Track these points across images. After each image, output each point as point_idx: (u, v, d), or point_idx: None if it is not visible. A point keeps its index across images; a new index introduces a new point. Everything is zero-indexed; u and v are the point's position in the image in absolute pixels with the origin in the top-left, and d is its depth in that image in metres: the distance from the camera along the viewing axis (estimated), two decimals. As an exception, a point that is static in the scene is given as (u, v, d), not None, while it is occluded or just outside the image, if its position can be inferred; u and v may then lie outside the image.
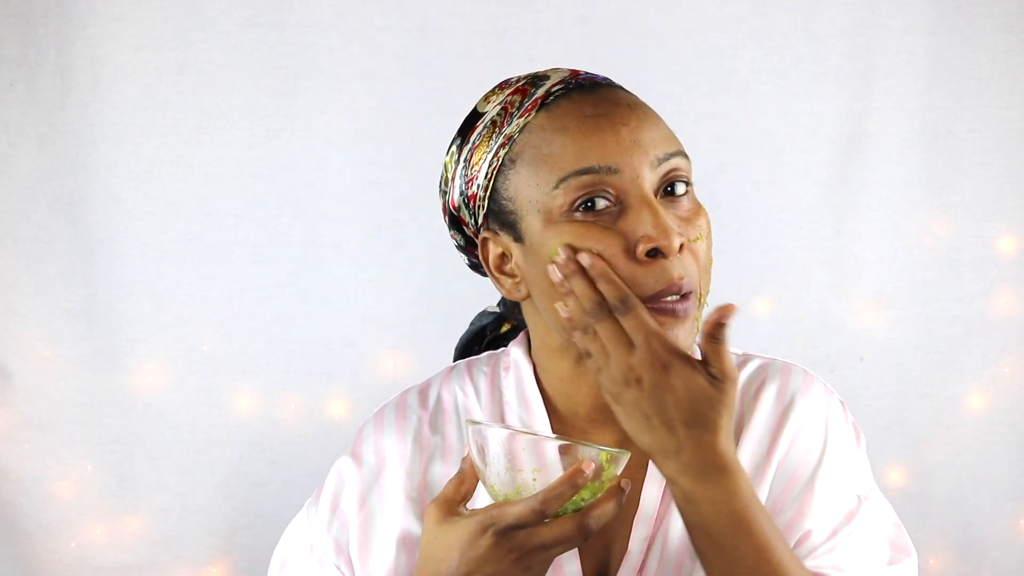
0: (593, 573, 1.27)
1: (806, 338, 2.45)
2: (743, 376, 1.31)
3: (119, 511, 2.36)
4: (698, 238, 1.20)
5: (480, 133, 1.26)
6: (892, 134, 2.43)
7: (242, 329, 2.36)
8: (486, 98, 1.29)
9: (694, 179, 1.25)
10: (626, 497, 1.13)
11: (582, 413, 1.29)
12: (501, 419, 1.31)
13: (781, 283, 2.45)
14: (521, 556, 1.11)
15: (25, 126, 2.30)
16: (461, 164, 1.28)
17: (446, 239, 1.35)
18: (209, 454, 2.37)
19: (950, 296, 2.47)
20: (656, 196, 1.20)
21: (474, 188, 1.26)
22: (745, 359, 1.33)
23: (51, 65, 2.29)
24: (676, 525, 1.26)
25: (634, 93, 1.27)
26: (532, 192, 1.21)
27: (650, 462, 1.27)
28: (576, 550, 1.26)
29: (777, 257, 2.44)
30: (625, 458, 1.13)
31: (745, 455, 1.27)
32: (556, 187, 1.19)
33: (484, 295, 1.47)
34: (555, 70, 1.28)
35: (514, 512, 1.10)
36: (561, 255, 1.18)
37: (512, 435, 1.12)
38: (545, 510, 1.09)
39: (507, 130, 1.24)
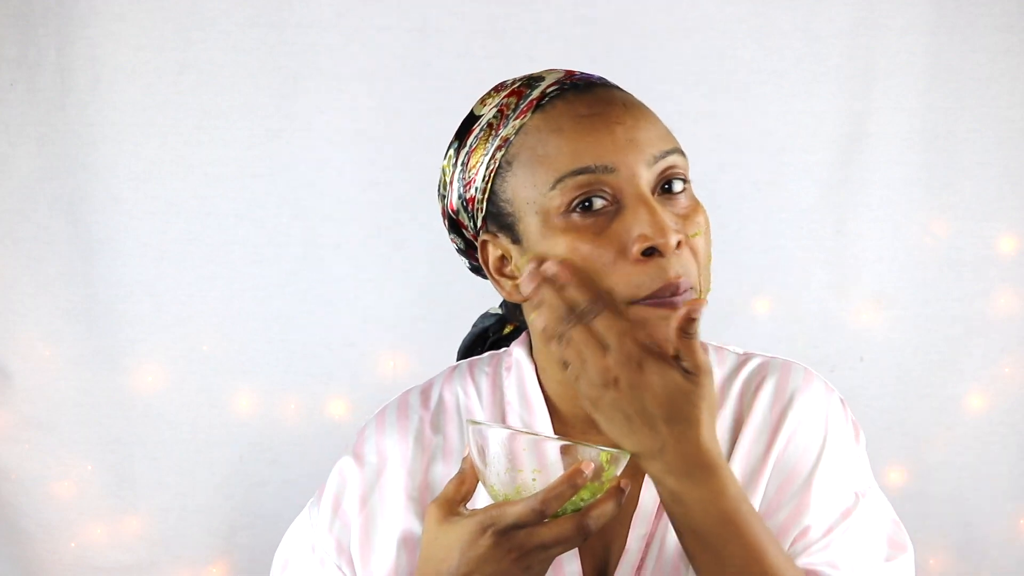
0: (593, 572, 1.27)
1: (806, 338, 2.45)
2: (743, 374, 1.31)
3: (119, 511, 2.36)
4: (696, 234, 1.20)
5: (477, 136, 1.26)
6: (892, 134, 2.43)
7: (242, 329, 2.36)
8: (482, 101, 1.29)
9: (694, 178, 1.25)
10: (628, 497, 1.13)
11: (582, 414, 1.29)
12: (502, 419, 1.31)
13: (781, 283, 2.45)
14: (521, 556, 1.11)
15: (25, 126, 2.30)
16: (459, 167, 1.28)
17: (446, 239, 1.35)
18: (209, 454, 2.37)
19: (950, 296, 2.47)
20: (653, 194, 1.20)
21: (472, 191, 1.26)
22: (746, 358, 1.33)
23: (51, 65, 2.29)
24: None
25: (630, 92, 1.27)
26: (529, 193, 1.21)
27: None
28: (576, 549, 1.25)
29: (777, 257, 2.44)
30: (625, 459, 1.13)
31: (743, 451, 1.27)
32: (553, 188, 1.19)
33: (484, 296, 1.47)
34: (550, 71, 1.28)
35: (514, 512, 1.10)
36: (529, 267, 1.17)
37: (512, 435, 1.12)
38: (544, 510, 1.09)
39: (503, 132, 1.24)
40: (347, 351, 2.38)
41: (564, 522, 1.10)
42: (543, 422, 1.29)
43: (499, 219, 1.25)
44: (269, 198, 2.36)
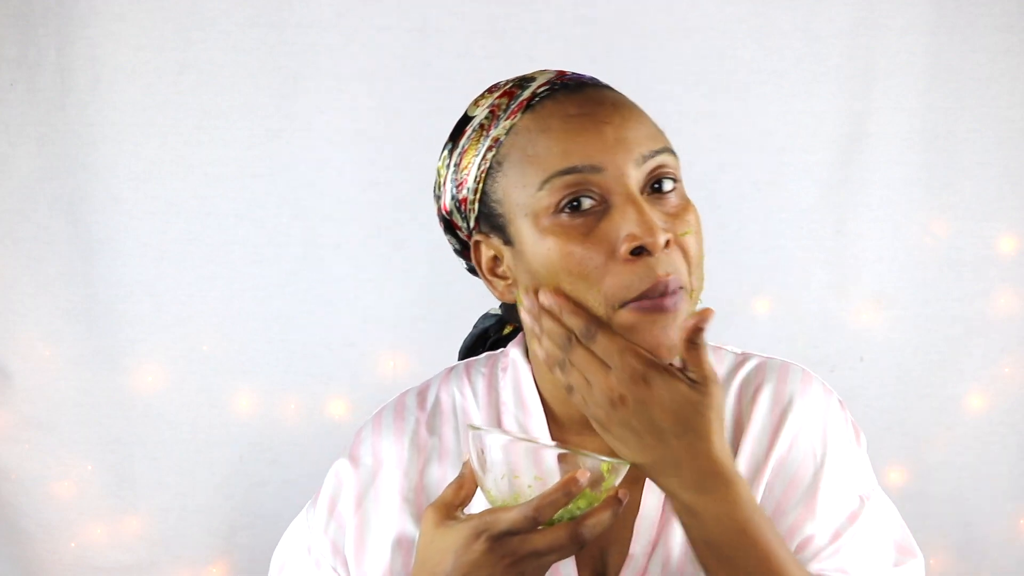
0: (590, 579, 1.27)
1: (806, 338, 2.45)
2: (740, 375, 1.31)
3: (119, 511, 2.36)
4: (686, 233, 1.20)
5: (469, 137, 1.26)
6: (892, 134, 2.43)
7: (242, 329, 2.36)
8: (475, 102, 1.29)
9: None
10: (628, 503, 1.13)
11: (577, 415, 1.29)
12: (498, 420, 1.31)
13: (781, 283, 2.45)
14: (514, 562, 1.11)
15: (25, 126, 2.30)
16: (452, 168, 1.28)
17: (446, 239, 1.35)
18: (209, 454, 2.37)
19: (950, 296, 2.47)
20: (643, 194, 1.19)
21: (464, 192, 1.26)
22: (743, 359, 1.33)
23: (51, 65, 2.29)
24: (678, 532, 1.26)
25: (621, 92, 1.27)
26: (519, 194, 1.21)
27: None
28: (573, 557, 1.25)
29: (777, 257, 2.44)
30: (624, 468, 1.13)
31: (744, 456, 1.27)
32: (541, 188, 1.19)
33: (485, 296, 1.47)
34: (542, 71, 1.28)
35: (508, 518, 1.10)
36: (526, 301, 1.18)
37: (512, 441, 1.12)
38: (538, 517, 1.09)
39: (494, 133, 1.24)
40: (347, 351, 2.38)
41: (558, 530, 1.10)
42: (538, 423, 1.29)
43: (491, 220, 1.24)
44: (269, 198, 2.35)
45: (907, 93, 2.42)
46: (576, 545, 1.10)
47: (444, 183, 1.29)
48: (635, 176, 1.19)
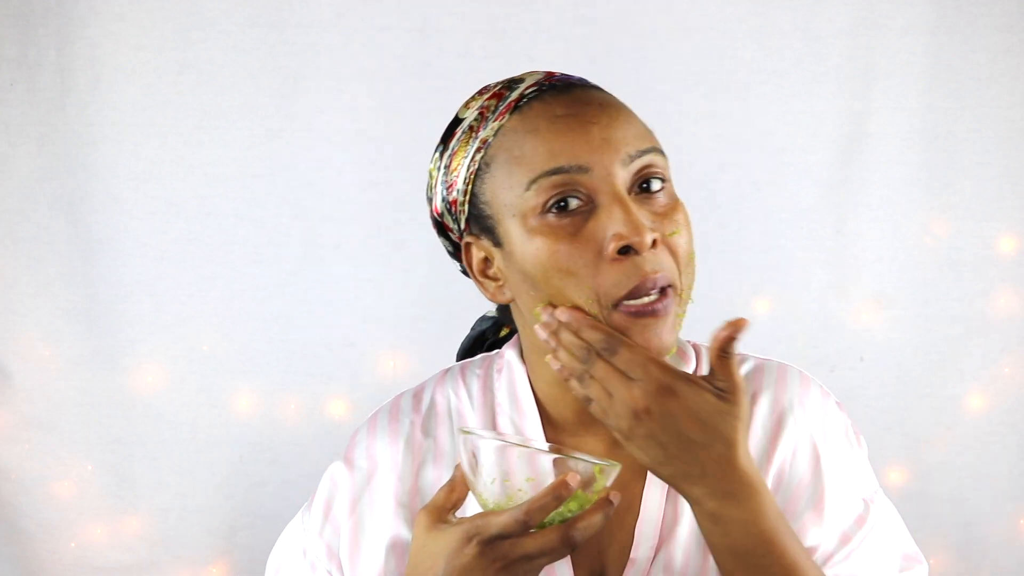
0: (588, 582, 1.27)
1: (806, 338, 2.45)
2: None
3: (119, 511, 2.36)
4: (675, 232, 1.20)
5: (459, 139, 1.27)
6: (892, 134, 2.43)
7: (242, 329, 2.36)
8: (466, 104, 1.29)
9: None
10: (624, 505, 1.13)
11: (572, 417, 1.28)
12: (493, 422, 1.31)
13: (781, 283, 2.45)
14: (505, 566, 1.11)
15: (25, 126, 2.30)
16: (442, 170, 1.28)
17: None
18: (209, 454, 2.37)
19: (950, 296, 2.47)
20: (631, 193, 1.20)
21: (454, 194, 1.26)
22: (740, 360, 1.32)
23: (51, 65, 2.29)
24: (681, 536, 1.25)
25: (610, 92, 1.27)
26: (507, 195, 1.21)
27: (649, 471, 1.26)
28: (568, 559, 1.25)
29: (777, 257, 2.44)
30: (615, 471, 1.13)
31: None
32: (528, 188, 1.19)
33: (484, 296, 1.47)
34: (531, 73, 1.28)
35: (498, 522, 1.10)
36: (543, 316, 1.18)
37: (503, 446, 1.12)
38: (529, 521, 1.09)
39: (482, 134, 1.24)
40: (347, 351, 2.38)
41: (549, 533, 1.10)
42: (533, 424, 1.29)
43: (480, 221, 1.25)
44: (269, 198, 2.35)
45: (907, 93, 2.42)
46: (567, 548, 1.10)
47: (435, 185, 1.30)
48: (622, 176, 1.19)
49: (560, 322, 1.17)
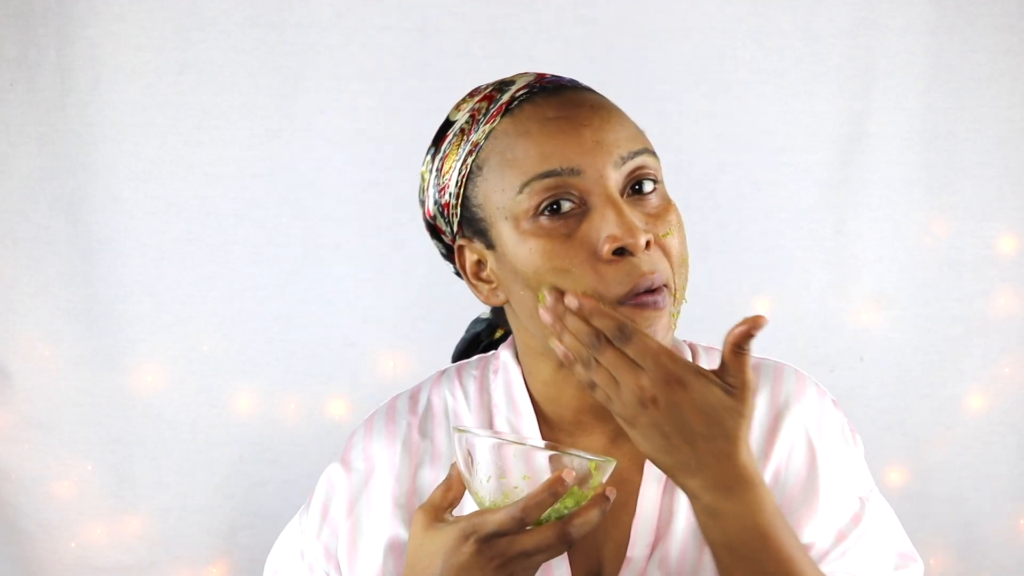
0: (584, 577, 1.27)
1: (806, 338, 2.45)
2: None
3: (119, 511, 2.36)
4: (668, 233, 1.20)
5: (450, 142, 1.27)
6: (892, 134, 2.43)
7: (242, 329, 2.36)
8: (457, 106, 1.29)
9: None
10: (621, 503, 1.13)
11: (568, 416, 1.29)
12: (489, 422, 1.31)
13: (781, 283, 2.45)
14: (503, 564, 1.11)
15: (25, 126, 2.30)
16: (434, 173, 1.29)
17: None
18: (209, 454, 2.37)
19: (950, 296, 2.47)
20: (623, 195, 1.20)
21: (446, 197, 1.27)
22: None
23: (51, 65, 2.29)
24: (678, 532, 1.26)
25: (601, 93, 1.27)
26: (499, 198, 1.21)
27: (646, 468, 1.26)
28: (565, 556, 1.25)
29: (777, 257, 2.44)
30: (611, 467, 1.13)
31: None
32: (520, 191, 1.19)
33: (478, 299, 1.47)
34: (521, 75, 1.28)
35: (495, 520, 1.10)
36: (548, 299, 1.18)
37: (498, 443, 1.12)
38: (525, 518, 1.09)
39: (474, 137, 1.24)
40: (347, 351, 2.38)
41: (546, 530, 1.10)
42: (530, 425, 1.29)
43: (473, 224, 1.25)
44: (269, 198, 2.36)
45: (907, 93, 2.42)
46: (564, 544, 1.10)
47: (427, 188, 1.30)
48: (614, 178, 1.19)
49: (568, 309, 1.16)
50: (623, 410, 1.14)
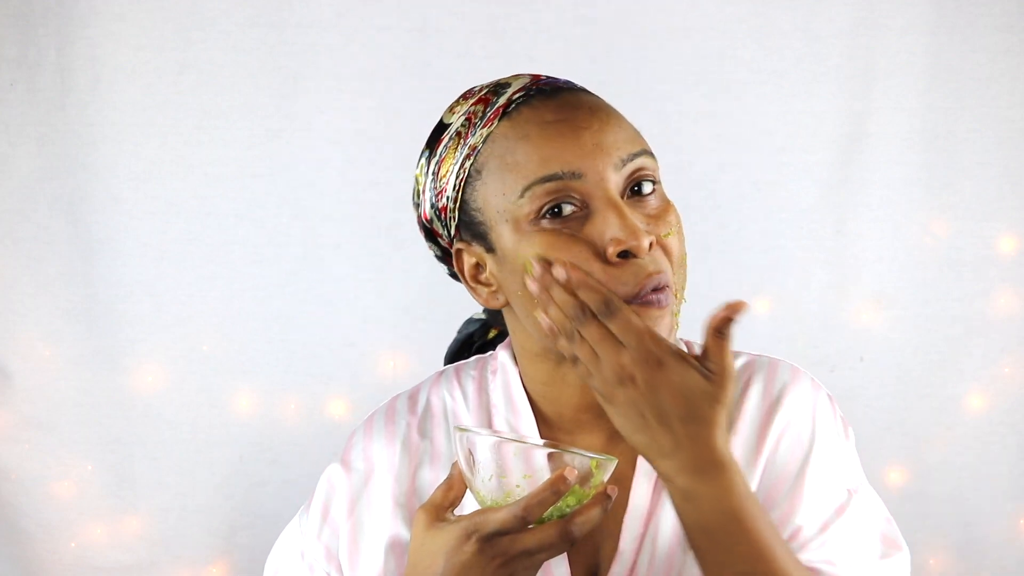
0: (583, 576, 1.28)
1: (806, 338, 2.45)
2: None
3: (119, 511, 2.36)
4: (668, 234, 1.21)
5: (446, 145, 1.27)
6: (892, 134, 2.43)
7: (242, 329, 2.36)
8: (451, 109, 1.29)
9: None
10: (619, 501, 1.13)
11: (567, 416, 1.29)
12: (489, 423, 1.31)
13: (781, 283, 2.45)
14: (505, 562, 1.11)
15: (25, 126, 2.30)
16: (430, 177, 1.28)
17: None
18: (209, 454, 2.37)
19: (950, 296, 2.47)
20: (623, 197, 1.21)
21: (444, 200, 1.27)
22: (733, 356, 1.33)
23: (51, 65, 2.29)
24: (665, 523, 1.26)
25: (597, 95, 1.27)
26: (499, 202, 1.21)
27: (638, 464, 1.27)
28: (565, 555, 1.25)
29: (777, 257, 2.44)
30: (612, 465, 1.13)
31: (735, 450, 1.27)
32: (522, 196, 1.20)
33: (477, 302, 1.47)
34: (517, 77, 1.28)
35: (497, 519, 1.10)
36: (536, 269, 1.18)
37: (499, 442, 1.12)
38: (527, 516, 1.09)
39: (471, 141, 1.24)
40: (347, 351, 2.38)
41: (548, 528, 1.10)
42: (528, 424, 1.30)
43: (471, 227, 1.25)
44: (269, 198, 2.36)
45: (907, 93, 2.42)
46: (566, 543, 1.10)
47: (423, 191, 1.30)
48: (615, 180, 1.20)
49: (553, 279, 1.17)
50: (602, 386, 1.15)
